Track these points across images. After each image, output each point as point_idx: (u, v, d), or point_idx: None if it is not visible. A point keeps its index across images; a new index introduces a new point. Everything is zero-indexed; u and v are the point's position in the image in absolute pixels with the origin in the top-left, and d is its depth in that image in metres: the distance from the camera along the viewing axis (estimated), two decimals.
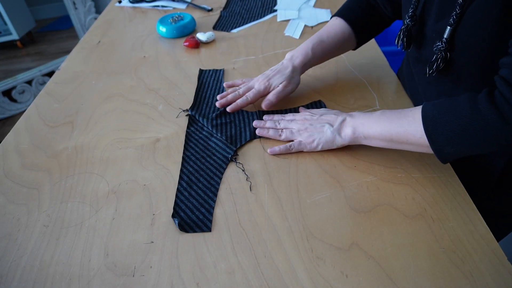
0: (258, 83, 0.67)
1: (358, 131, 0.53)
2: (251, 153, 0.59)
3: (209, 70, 0.80)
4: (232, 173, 0.56)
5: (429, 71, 0.53)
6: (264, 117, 0.65)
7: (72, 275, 0.44)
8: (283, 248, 0.45)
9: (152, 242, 0.47)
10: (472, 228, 0.46)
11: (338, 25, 0.69)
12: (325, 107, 0.67)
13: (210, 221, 0.49)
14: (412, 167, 0.54)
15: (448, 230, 0.46)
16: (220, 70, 0.80)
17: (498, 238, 0.67)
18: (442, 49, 0.50)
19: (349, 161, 0.56)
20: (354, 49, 0.74)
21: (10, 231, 0.49)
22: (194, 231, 0.48)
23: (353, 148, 0.58)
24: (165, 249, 0.46)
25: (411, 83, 0.68)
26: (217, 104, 0.67)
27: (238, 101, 0.66)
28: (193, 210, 0.50)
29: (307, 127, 0.58)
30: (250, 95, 0.66)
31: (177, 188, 0.54)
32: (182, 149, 0.61)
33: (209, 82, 0.77)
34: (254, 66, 0.82)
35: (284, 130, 0.60)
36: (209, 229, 0.48)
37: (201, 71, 0.80)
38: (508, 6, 0.41)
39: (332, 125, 0.56)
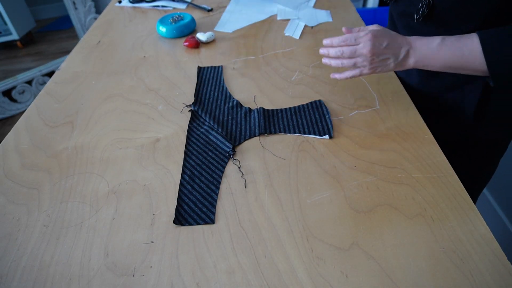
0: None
1: (420, 63, 0.56)
2: (251, 152, 0.59)
3: (208, 67, 0.81)
4: (232, 173, 0.56)
5: (416, 16, 0.59)
6: (324, 41, 0.62)
7: (72, 275, 0.44)
8: (283, 248, 0.45)
9: (152, 242, 0.47)
10: (472, 228, 0.46)
11: None
12: (325, 106, 0.66)
13: (214, 214, 0.50)
14: (412, 167, 0.54)
15: (448, 230, 0.46)
16: (219, 66, 0.81)
17: (491, 170, 0.77)
18: None
19: (349, 161, 0.56)
20: None
21: (10, 231, 0.49)
22: (198, 223, 0.48)
23: (353, 148, 0.58)
24: (165, 249, 0.46)
25: None
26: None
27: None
28: (196, 203, 0.51)
29: (373, 59, 0.57)
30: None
31: (180, 182, 0.54)
32: (183, 149, 0.61)
33: (208, 79, 0.77)
34: (254, 66, 0.82)
35: (347, 60, 0.59)
36: (212, 221, 0.49)
37: (199, 68, 0.81)
38: None
39: (397, 57, 0.57)
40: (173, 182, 0.55)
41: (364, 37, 0.57)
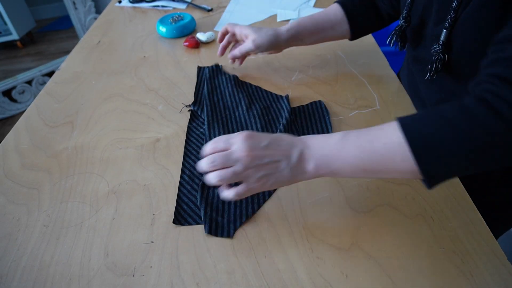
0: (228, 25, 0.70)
1: (323, 166, 0.42)
2: None
3: (208, 67, 0.81)
4: None
5: (429, 73, 0.52)
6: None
7: (72, 275, 0.44)
8: (283, 248, 0.45)
9: (152, 242, 0.47)
10: (472, 228, 0.46)
11: (332, 8, 0.72)
12: (325, 107, 0.66)
13: None
14: None
15: (448, 230, 0.46)
16: (219, 65, 0.81)
17: (503, 230, 0.68)
18: (439, 51, 0.51)
19: None
20: (351, 39, 0.74)
21: (10, 231, 0.49)
22: (198, 223, 0.48)
23: None
24: (165, 249, 0.46)
25: (411, 81, 0.69)
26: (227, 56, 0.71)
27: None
28: (196, 202, 0.51)
29: (258, 165, 0.42)
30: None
31: (180, 182, 0.54)
32: (182, 149, 0.61)
33: (207, 78, 0.77)
34: (254, 66, 0.81)
35: (223, 171, 0.42)
36: None
37: (199, 68, 0.81)
38: (501, 9, 0.42)
39: (289, 161, 0.42)
40: (173, 182, 0.55)
41: (236, 137, 0.43)
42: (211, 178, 0.43)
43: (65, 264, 0.45)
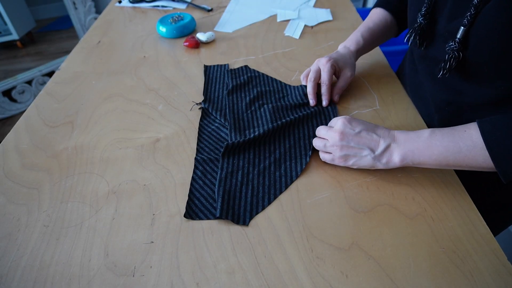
0: (326, 65, 0.66)
1: (408, 159, 0.48)
2: None
3: (215, 66, 0.82)
4: None
5: (443, 71, 0.52)
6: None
7: (72, 275, 0.44)
8: (283, 248, 0.45)
9: (152, 242, 0.47)
10: (472, 228, 0.46)
11: (380, 13, 0.73)
12: (336, 112, 0.66)
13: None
14: (412, 167, 0.54)
15: (448, 230, 0.46)
16: (225, 64, 0.82)
17: (502, 229, 0.68)
18: (455, 49, 0.49)
19: None
20: (396, 35, 0.77)
21: (10, 231, 0.49)
22: (208, 218, 0.49)
23: None
24: (165, 249, 0.46)
25: (414, 79, 0.68)
26: (311, 103, 0.68)
27: (323, 91, 0.67)
28: (208, 198, 0.52)
29: (342, 145, 0.51)
30: (324, 77, 0.66)
31: (192, 177, 0.55)
32: (183, 149, 0.61)
33: (216, 77, 0.78)
34: (254, 66, 0.82)
35: (317, 139, 0.55)
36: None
37: (206, 67, 0.82)
38: None
39: (373, 151, 0.50)
40: (173, 182, 0.55)
41: (337, 120, 0.53)
42: (314, 142, 0.56)
43: (65, 264, 0.45)
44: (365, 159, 0.50)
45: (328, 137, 0.53)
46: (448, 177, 0.53)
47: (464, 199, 0.50)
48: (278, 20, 1.02)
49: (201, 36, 0.92)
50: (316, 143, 0.56)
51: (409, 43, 0.59)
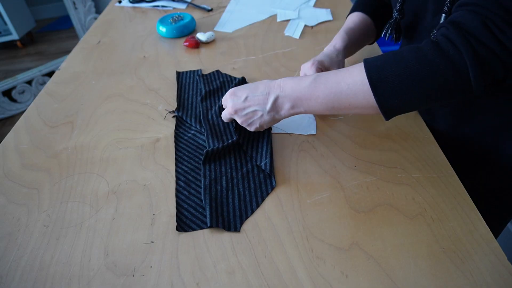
0: (311, 69, 0.65)
1: (298, 106, 0.51)
2: None
3: (187, 72, 0.80)
4: None
5: (385, 38, 0.54)
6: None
7: (72, 275, 0.44)
8: (283, 248, 0.45)
9: (152, 242, 0.47)
10: (472, 228, 0.46)
11: (358, 16, 0.71)
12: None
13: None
14: (412, 167, 0.54)
15: (448, 230, 0.46)
16: (198, 70, 0.80)
17: (502, 227, 0.69)
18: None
19: (349, 161, 0.56)
20: (372, 42, 0.76)
21: (10, 231, 0.49)
22: (201, 228, 0.48)
23: (353, 148, 0.58)
24: (165, 249, 0.46)
25: None
26: None
27: None
28: (196, 207, 0.51)
29: (240, 116, 0.55)
30: None
31: (176, 189, 0.54)
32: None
33: (188, 83, 0.76)
34: (254, 66, 0.82)
35: (223, 113, 0.59)
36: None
37: (178, 73, 0.80)
38: None
39: (264, 107, 0.53)
40: (173, 182, 0.55)
41: (226, 97, 0.56)
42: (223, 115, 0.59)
43: (65, 264, 0.45)
44: (263, 118, 0.54)
45: (224, 118, 0.58)
46: (448, 177, 0.53)
47: (464, 199, 0.50)
48: (278, 20, 1.02)
49: (201, 36, 0.92)
50: (223, 115, 0.59)
51: (386, 37, 0.60)
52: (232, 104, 0.54)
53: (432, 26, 0.53)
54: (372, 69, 0.44)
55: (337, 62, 0.67)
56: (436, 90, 0.42)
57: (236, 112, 0.54)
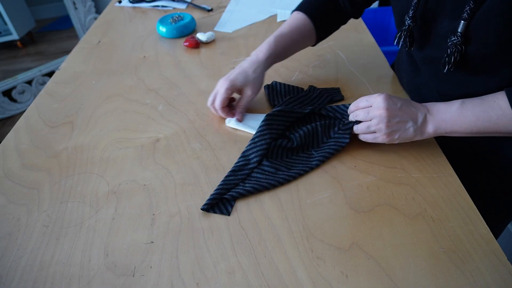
0: (222, 89, 0.63)
1: (441, 129, 0.51)
2: None
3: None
4: None
5: (448, 65, 0.52)
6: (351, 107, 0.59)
7: (72, 275, 0.44)
8: (283, 248, 0.45)
9: (152, 242, 0.47)
10: (472, 228, 0.46)
11: (299, 19, 0.69)
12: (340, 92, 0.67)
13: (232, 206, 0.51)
14: (412, 167, 0.54)
15: (448, 230, 0.46)
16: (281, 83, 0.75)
17: (502, 229, 0.68)
18: (457, 43, 0.50)
19: (349, 161, 0.56)
20: (313, 45, 0.73)
21: (10, 231, 0.49)
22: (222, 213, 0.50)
23: (353, 148, 0.58)
24: (165, 249, 0.46)
25: (414, 79, 0.68)
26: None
27: (213, 111, 0.66)
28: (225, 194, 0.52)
29: (389, 122, 0.52)
30: (217, 104, 0.64)
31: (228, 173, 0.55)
32: (183, 149, 0.61)
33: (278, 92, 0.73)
34: None
35: (360, 125, 0.56)
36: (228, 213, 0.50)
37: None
38: None
39: (415, 123, 0.52)
40: (173, 182, 0.55)
41: (376, 97, 0.53)
42: (354, 129, 0.57)
43: (65, 264, 0.45)
44: (409, 132, 0.52)
45: (373, 117, 0.53)
46: (448, 177, 0.53)
47: (464, 199, 0.50)
48: (278, 20, 1.02)
49: (201, 36, 0.92)
50: (359, 127, 0.56)
51: (399, 45, 0.59)
52: (387, 106, 0.52)
53: (448, 31, 0.52)
54: None
55: (252, 79, 0.64)
56: None
57: (390, 115, 0.51)
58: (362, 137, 0.56)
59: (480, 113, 0.49)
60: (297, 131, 0.61)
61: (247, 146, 0.58)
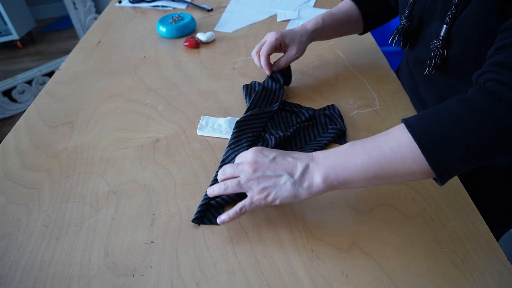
0: (272, 37, 0.67)
1: (330, 177, 0.42)
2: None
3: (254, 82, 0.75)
4: None
5: (428, 68, 0.52)
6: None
7: (72, 275, 0.44)
8: (283, 248, 0.45)
9: (152, 242, 0.47)
10: (472, 228, 0.46)
11: (347, 4, 0.73)
12: (338, 112, 0.65)
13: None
14: None
15: (448, 230, 0.46)
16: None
17: (504, 231, 0.67)
18: (438, 46, 0.51)
19: None
20: (361, 33, 0.76)
21: (10, 231, 0.49)
22: (212, 224, 0.49)
23: None
24: (165, 249, 0.46)
25: (410, 82, 0.69)
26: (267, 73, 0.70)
27: (256, 61, 0.69)
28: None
29: (258, 177, 0.44)
30: (265, 49, 0.67)
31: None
32: (183, 149, 0.61)
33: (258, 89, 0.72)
34: (254, 66, 0.81)
35: (229, 180, 0.46)
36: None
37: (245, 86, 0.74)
38: (502, 9, 0.42)
39: (292, 176, 0.43)
40: (173, 182, 0.55)
41: (248, 151, 0.46)
42: (218, 188, 0.46)
43: (65, 264, 0.45)
44: (285, 187, 0.43)
45: (240, 173, 0.45)
46: None
47: (464, 199, 0.50)
48: (278, 20, 1.02)
49: (201, 36, 0.92)
50: (225, 187, 0.45)
51: (393, 44, 0.60)
52: (254, 159, 0.45)
53: (436, 32, 0.52)
54: (417, 129, 0.38)
55: (298, 41, 0.68)
56: (499, 140, 0.36)
57: (256, 168, 0.44)
58: (233, 211, 0.45)
59: (372, 149, 0.41)
60: (272, 134, 0.61)
61: (225, 154, 0.58)
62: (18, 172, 0.58)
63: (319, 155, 0.44)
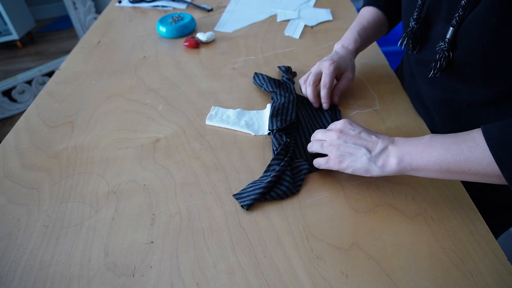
0: (328, 69, 0.65)
1: (405, 161, 0.45)
2: (251, 153, 0.59)
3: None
4: (231, 173, 0.56)
5: (434, 70, 0.52)
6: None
7: (72, 275, 0.44)
8: (283, 248, 0.45)
9: (152, 242, 0.47)
10: (472, 228, 0.46)
11: (372, 12, 0.73)
12: (339, 112, 0.66)
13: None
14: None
15: (448, 230, 0.46)
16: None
17: (503, 230, 0.67)
18: (444, 49, 0.50)
19: None
20: (387, 33, 0.77)
21: (10, 231, 0.49)
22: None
23: None
24: (165, 249, 0.46)
25: (412, 82, 0.68)
26: (315, 106, 0.68)
27: (323, 94, 0.66)
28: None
29: (340, 144, 0.49)
30: (326, 81, 0.65)
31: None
32: (183, 149, 0.61)
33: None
34: (254, 66, 0.82)
35: (315, 141, 0.54)
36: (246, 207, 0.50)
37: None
38: (511, 13, 0.41)
39: (370, 151, 0.47)
40: (173, 182, 0.55)
41: (340, 120, 0.53)
42: (309, 145, 0.55)
43: (65, 264, 0.45)
44: (361, 160, 0.47)
45: (326, 137, 0.52)
46: None
47: (464, 199, 0.50)
48: (278, 20, 1.02)
49: (201, 36, 0.92)
50: (312, 146, 0.54)
51: (402, 47, 0.59)
52: (341, 127, 0.50)
53: (441, 33, 0.52)
54: (495, 143, 0.39)
55: (351, 66, 0.69)
56: None
57: (340, 136, 0.49)
58: (315, 162, 0.53)
59: (450, 144, 0.42)
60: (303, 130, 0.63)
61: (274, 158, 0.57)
62: (18, 172, 0.58)
63: (400, 140, 0.47)
